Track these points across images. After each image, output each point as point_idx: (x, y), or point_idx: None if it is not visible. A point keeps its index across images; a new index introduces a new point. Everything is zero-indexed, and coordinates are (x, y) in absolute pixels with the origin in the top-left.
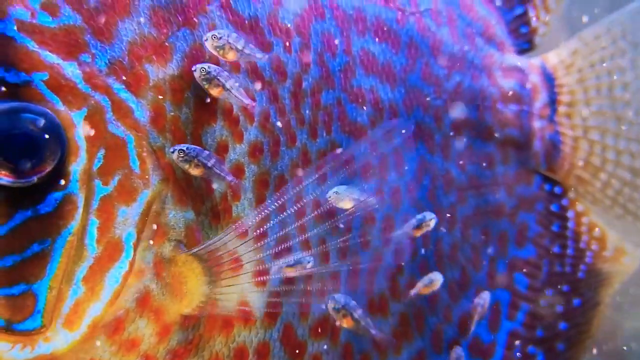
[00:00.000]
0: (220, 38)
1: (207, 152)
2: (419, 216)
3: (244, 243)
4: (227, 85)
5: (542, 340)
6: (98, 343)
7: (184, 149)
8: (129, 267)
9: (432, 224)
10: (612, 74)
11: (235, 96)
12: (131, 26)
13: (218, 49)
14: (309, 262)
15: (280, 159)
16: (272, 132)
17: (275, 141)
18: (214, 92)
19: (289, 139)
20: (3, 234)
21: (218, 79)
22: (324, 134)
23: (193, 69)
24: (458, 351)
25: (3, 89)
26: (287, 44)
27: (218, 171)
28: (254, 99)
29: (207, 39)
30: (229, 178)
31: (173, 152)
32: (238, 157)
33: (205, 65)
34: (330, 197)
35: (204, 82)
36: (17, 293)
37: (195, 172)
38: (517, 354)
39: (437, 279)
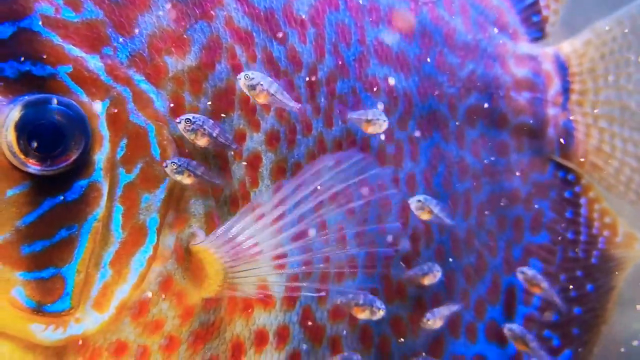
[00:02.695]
0: (253, 79)
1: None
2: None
3: (259, 229)
4: (214, 134)
5: (557, 324)
6: (124, 324)
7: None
8: (153, 251)
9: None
10: (619, 65)
11: (222, 142)
12: (151, 20)
13: (250, 89)
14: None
15: (297, 146)
16: (288, 121)
17: (291, 129)
18: (201, 142)
19: (305, 127)
20: (32, 220)
21: (204, 129)
22: (340, 122)
23: (177, 121)
24: None
25: (30, 81)
26: (302, 34)
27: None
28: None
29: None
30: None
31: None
32: (255, 145)
33: (190, 116)
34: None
35: (190, 134)
36: (46, 276)
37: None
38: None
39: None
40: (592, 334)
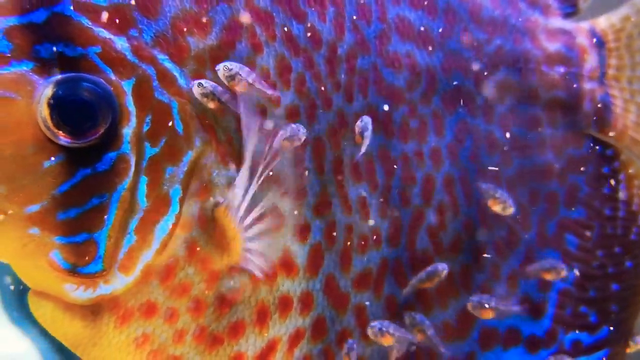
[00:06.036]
0: (232, 69)
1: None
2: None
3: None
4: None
5: (594, 300)
6: (153, 287)
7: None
8: (175, 219)
9: None
10: None
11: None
12: (174, 2)
13: (228, 79)
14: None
15: (317, 121)
16: (308, 96)
17: (311, 105)
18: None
19: (325, 102)
20: (67, 189)
21: (213, 94)
22: (360, 98)
23: (195, 83)
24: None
25: (63, 61)
26: (322, 13)
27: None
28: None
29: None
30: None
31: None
32: (276, 120)
33: (202, 81)
34: None
35: (202, 97)
36: (80, 241)
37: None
38: (569, 312)
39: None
40: (631, 311)
